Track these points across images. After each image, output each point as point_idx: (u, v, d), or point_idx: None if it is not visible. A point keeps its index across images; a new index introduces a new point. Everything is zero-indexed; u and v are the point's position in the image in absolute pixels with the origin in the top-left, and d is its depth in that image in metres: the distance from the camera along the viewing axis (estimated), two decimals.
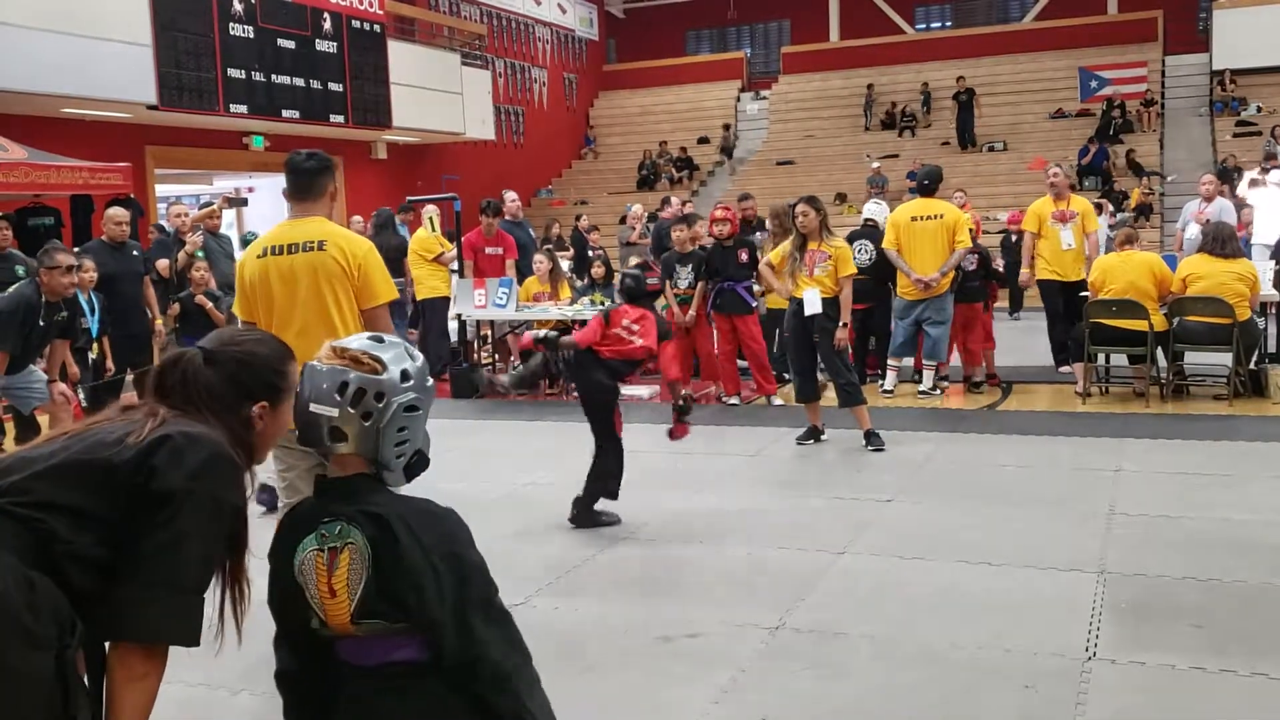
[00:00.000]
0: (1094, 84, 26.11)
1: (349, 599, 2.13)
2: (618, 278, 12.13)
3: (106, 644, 2.13)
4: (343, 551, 2.14)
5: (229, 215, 17.27)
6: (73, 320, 7.57)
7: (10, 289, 7.35)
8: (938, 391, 9.88)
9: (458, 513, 2.27)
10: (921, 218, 9.62)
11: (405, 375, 2.21)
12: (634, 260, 13.79)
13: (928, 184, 9.94)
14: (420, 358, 2.31)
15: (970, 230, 9.97)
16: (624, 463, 6.33)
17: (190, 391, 2.23)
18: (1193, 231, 11.84)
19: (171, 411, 2.18)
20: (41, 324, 7.17)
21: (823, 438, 8.14)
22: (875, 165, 23.64)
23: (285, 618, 2.25)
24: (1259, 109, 24.37)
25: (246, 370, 2.29)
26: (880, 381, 10.14)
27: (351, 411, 2.16)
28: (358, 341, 2.25)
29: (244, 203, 14.08)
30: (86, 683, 2.10)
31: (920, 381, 9.89)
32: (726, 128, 28.82)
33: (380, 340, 2.26)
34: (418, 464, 2.30)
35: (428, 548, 2.14)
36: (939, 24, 31.04)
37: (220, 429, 2.22)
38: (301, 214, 4.43)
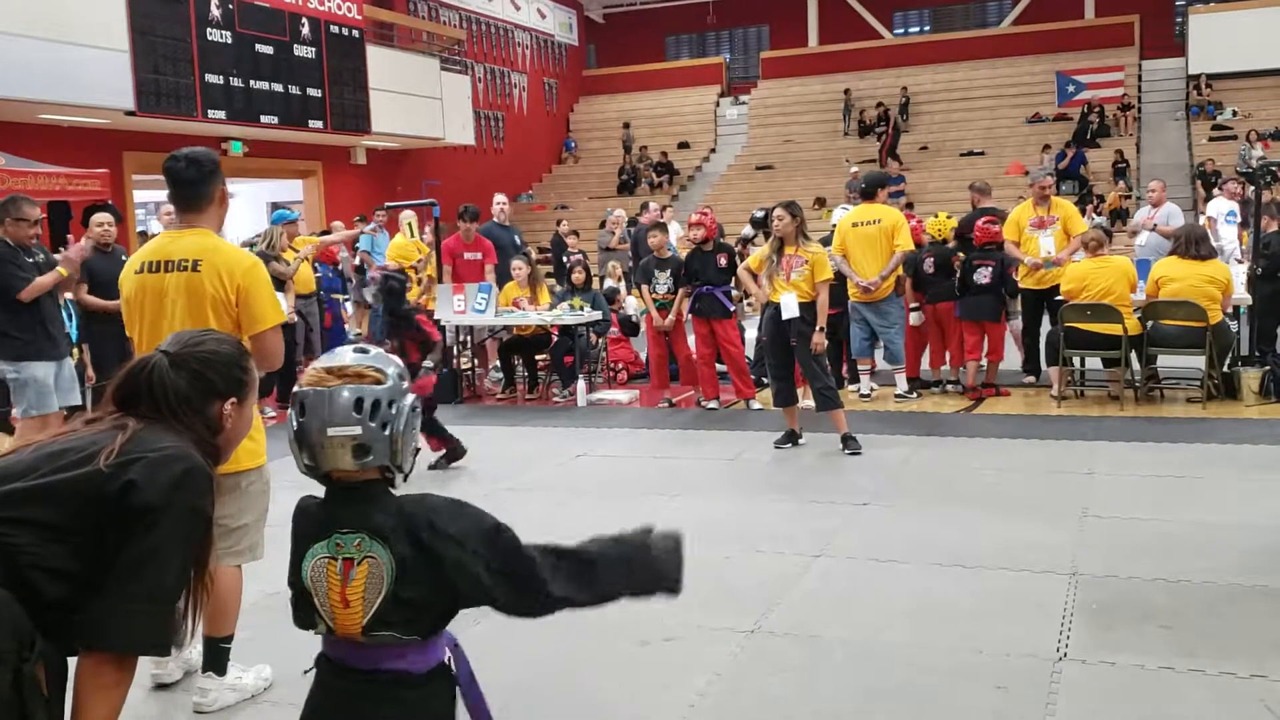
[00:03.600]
0: (1071, 88, 26.32)
1: (363, 611, 2.16)
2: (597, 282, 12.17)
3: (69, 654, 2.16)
4: (360, 564, 2.17)
5: None
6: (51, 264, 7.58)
7: None
8: (914, 395, 9.94)
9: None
10: (862, 223, 9.70)
11: (402, 377, 2.26)
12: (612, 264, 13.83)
13: (866, 189, 10.01)
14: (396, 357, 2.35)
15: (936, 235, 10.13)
16: None
17: (159, 397, 2.26)
18: (1143, 238, 11.91)
19: (139, 422, 2.21)
20: (31, 261, 7.27)
21: (800, 441, 8.19)
22: (854, 170, 23.72)
23: (296, 616, 2.32)
24: (1235, 113, 24.59)
25: (212, 369, 2.33)
26: (857, 385, 10.19)
27: (372, 425, 2.18)
28: (347, 356, 2.25)
29: None
30: (46, 693, 2.10)
31: (896, 386, 9.95)
32: (627, 125, 29.16)
33: (364, 350, 2.28)
34: (413, 461, 2.35)
35: (461, 539, 2.18)
36: (917, 29, 31.17)
37: (187, 434, 2.25)
38: (183, 224, 4.09)
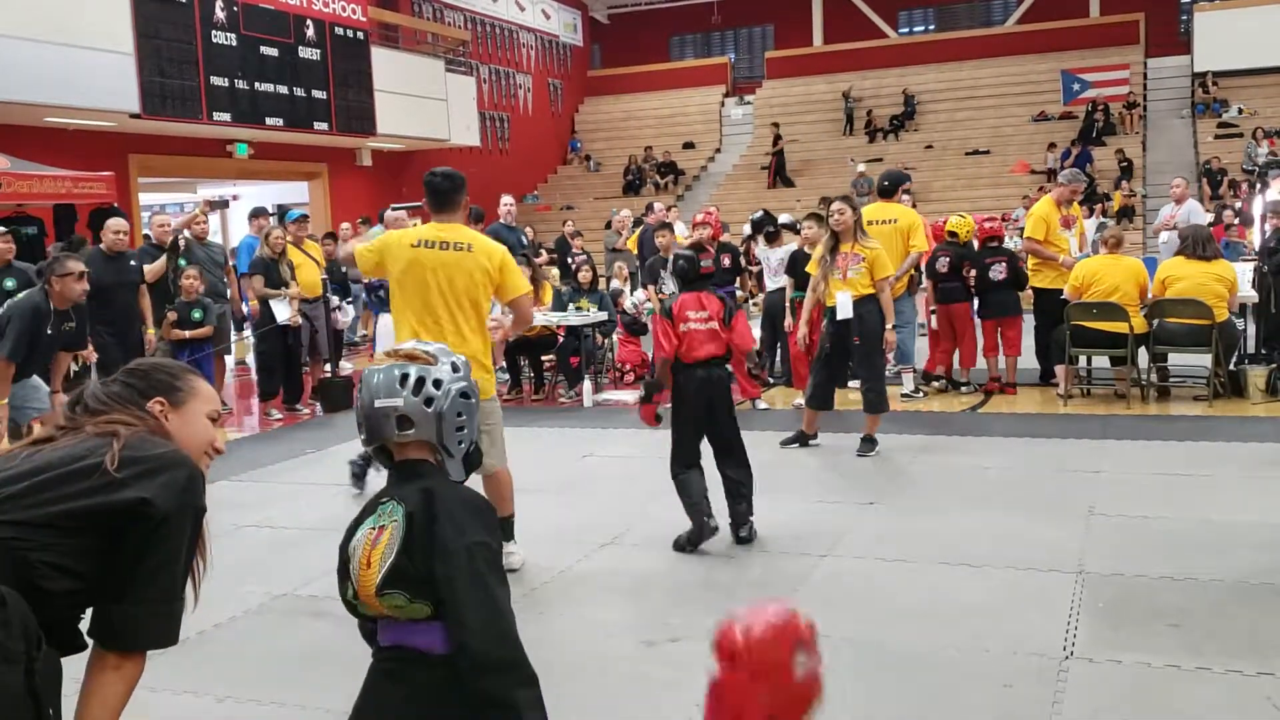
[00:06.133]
0: (1076, 87, 26.27)
1: (378, 569, 2.27)
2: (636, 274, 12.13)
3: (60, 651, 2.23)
4: (388, 528, 2.30)
5: (215, 222, 17.24)
6: (81, 331, 7.54)
7: (20, 296, 7.31)
8: (920, 394, 9.93)
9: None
10: (877, 221, 9.62)
11: (455, 367, 2.41)
12: (619, 264, 13.82)
13: (887, 186, 9.97)
14: (462, 356, 2.51)
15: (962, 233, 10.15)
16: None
17: (93, 403, 2.35)
18: (1165, 236, 11.88)
19: (127, 428, 2.28)
20: (50, 333, 7.16)
21: (811, 442, 8.12)
22: (860, 168, 23.71)
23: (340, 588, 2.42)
24: (1240, 111, 24.53)
25: (135, 376, 2.42)
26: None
27: (415, 398, 2.34)
28: (408, 344, 2.49)
29: (225, 204, 14.10)
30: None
31: (902, 385, 9.94)
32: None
33: (425, 343, 2.49)
34: (475, 455, 2.46)
35: (463, 530, 2.26)
36: (922, 28, 31.15)
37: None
38: (444, 221, 5.39)
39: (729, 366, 5.91)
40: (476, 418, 2.45)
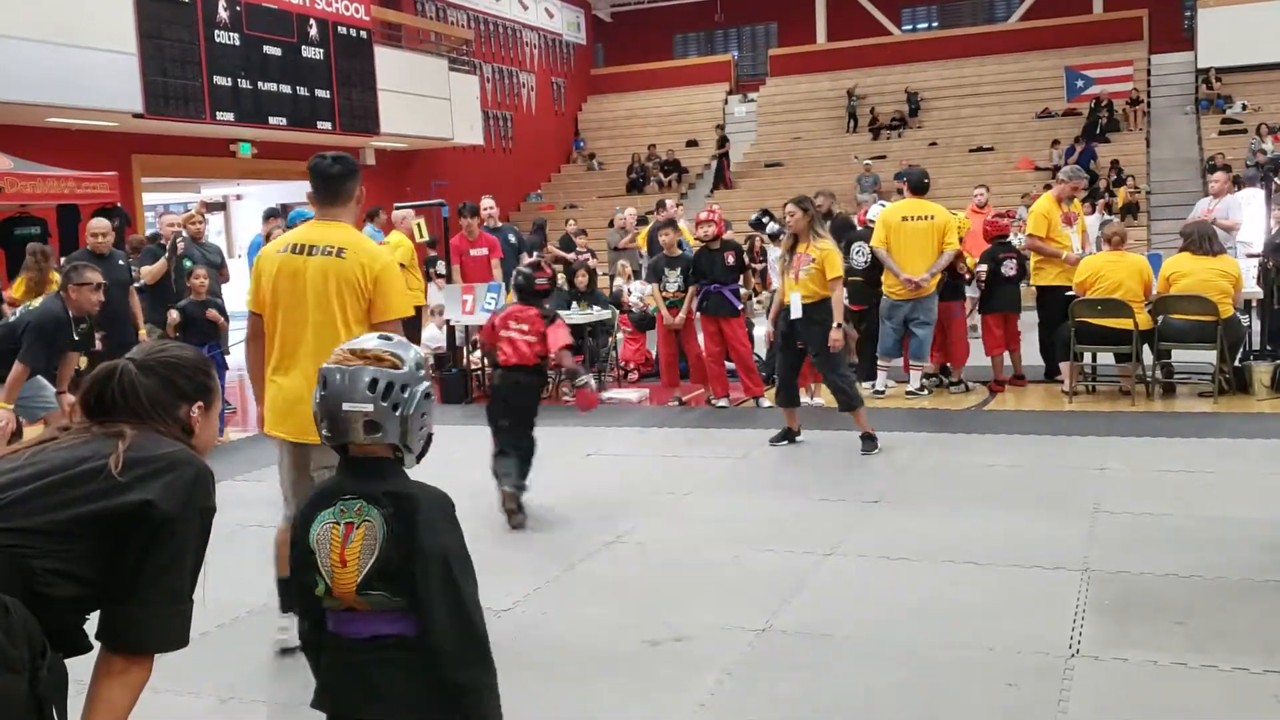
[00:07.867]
0: (1080, 83, 26.24)
1: (358, 570, 2.32)
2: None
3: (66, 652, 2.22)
4: (359, 527, 2.35)
5: (216, 223, 17.25)
6: (92, 333, 7.59)
7: (38, 304, 7.32)
8: (925, 392, 9.90)
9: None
10: (913, 218, 9.61)
11: (419, 366, 2.43)
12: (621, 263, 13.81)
13: (927, 183, 9.93)
14: (420, 349, 2.46)
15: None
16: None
17: (133, 402, 2.31)
18: None
19: (133, 429, 2.25)
20: (76, 338, 7.24)
21: (798, 439, 8.15)
22: (866, 164, 23.70)
23: (299, 583, 2.45)
24: (1244, 106, 24.49)
25: (179, 373, 2.39)
26: (871, 382, 10.14)
27: (384, 404, 2.35)
28: (371, 341, 2.46)
29: (221, 207, 14.12)
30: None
31: (908, 382, 9.92)
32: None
33: (388, 338, 2.48)
34: (427, 445, 2.50)
35: (439, 533, 2.35)
36: (925, 25, 31.12)
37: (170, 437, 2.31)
38: (326, 218, 4.46)
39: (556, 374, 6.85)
40: (433, 410, 2.49)
